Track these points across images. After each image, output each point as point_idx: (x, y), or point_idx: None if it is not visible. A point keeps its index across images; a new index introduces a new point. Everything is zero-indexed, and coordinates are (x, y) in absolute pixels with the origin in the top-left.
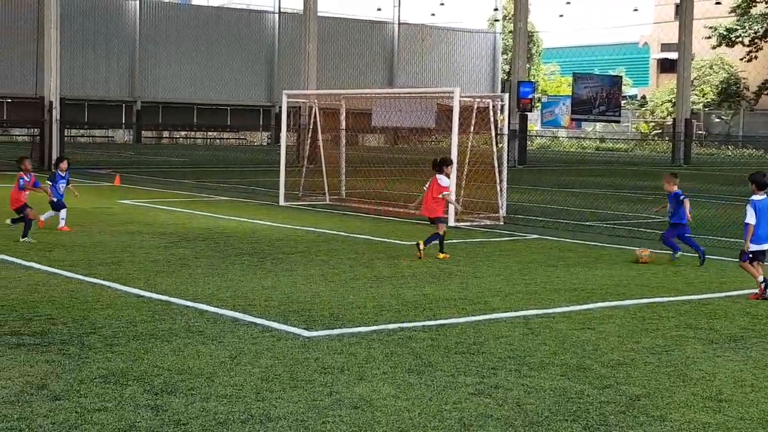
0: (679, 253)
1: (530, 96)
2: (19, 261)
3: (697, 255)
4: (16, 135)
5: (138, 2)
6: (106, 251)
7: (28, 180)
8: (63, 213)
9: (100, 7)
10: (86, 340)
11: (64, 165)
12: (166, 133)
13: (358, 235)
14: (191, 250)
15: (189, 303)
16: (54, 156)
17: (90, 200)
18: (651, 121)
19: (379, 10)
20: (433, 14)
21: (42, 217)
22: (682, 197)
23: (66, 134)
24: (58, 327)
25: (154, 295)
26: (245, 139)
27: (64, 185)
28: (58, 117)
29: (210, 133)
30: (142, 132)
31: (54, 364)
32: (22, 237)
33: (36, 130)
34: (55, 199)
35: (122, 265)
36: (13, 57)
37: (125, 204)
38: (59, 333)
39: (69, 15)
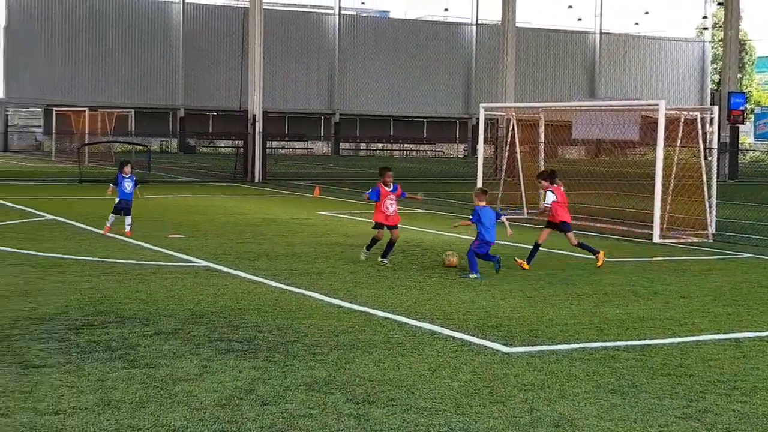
0: None
1: (742, 107)
2: (226, 269)
3: None
4: (221, 147)
5: (337, 16)
6: (307, 261)
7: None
8: (128, 219)
9: (300, 22)
10: (290, 347)
11: (127, 168)
12: (363, 145)
13: (557, 251)
14: (389, 262)
15: (388, 314)
16: (258, 167)
17: (290, 211)
18: None
19: (579, 20)
20: (636, 23)
21: (108, 224)
22: None
23: (267, 146)
24: (263, 334)
25: (355, 306)
26: (442, 151)
27: (132, 185)
28: (261, 130)
29: (406, 145)
30: (341, 144)
31: (261, 370)
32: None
33: (240, 142)
34: (117, 199)
35: (323, 276)
36: (219, 72)
37: (324, 215)
38: (265, 340)
39: (271, 30)
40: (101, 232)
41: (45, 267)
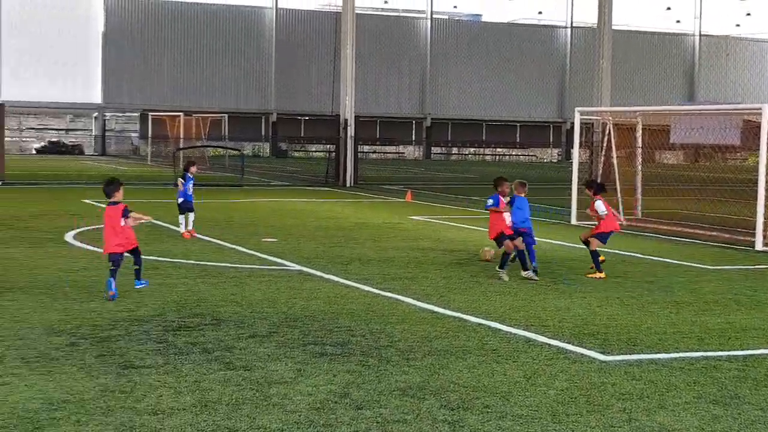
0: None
1: None
2: (319, 273)
3: None
4: (312, 151)
5: (429, 21)
6: (399, 266)
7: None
8: (191, 216)
9: (393, 26)
10: (384, 352)
11: (193, 168)
12: (455, 149)
13: (656, 258)
14: (483, 268)
15: (482, 321)
16: (349, 171)
17: (382, 216)
18: None
19: (678, 22)
20: (738, 25)
21: (183, 230)
22: None
23: (359, 150)
24: (357, 338)
25: (448, 312)
26: (535, 155)
27: (192, 186)
28: (353, 134)
29: (499, 150)
30: (432, 148)
31: (355, 374)
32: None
33: (331, 146)
34: (180, 200)
35: (416, 281)
36: (311, 77)
37: (416, 220)
38: (358, 344)
39: (363, 35)
40: (198, 235)
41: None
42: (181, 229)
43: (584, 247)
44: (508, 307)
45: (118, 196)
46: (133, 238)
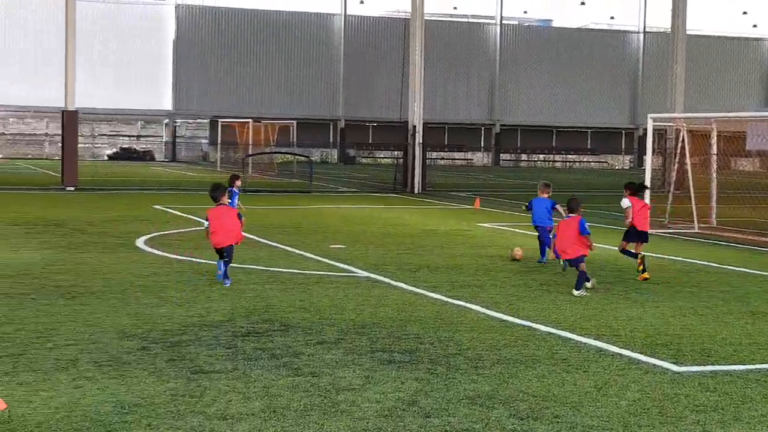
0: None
1: None
2: (387, 280)
3: None
4: (380, 157)
5: (499, 26)
6: (467, 274)
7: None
8: None
9: (461, 32)
10: (452, 360)
11: (238, 182)
12: (524, 156)
13: (731, 267)
14: (552, 276)
15: (552, 329)
16: (417, 178)
17: (450, 223)
18: None
19: (754, 26)
20: None
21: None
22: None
23: (427, 157)
24: (425, 346)
25: (517, 320)
26: (606, 162)
27: (237, 200)
28: (421, 140)
29: (569, 156)
30: (501, 155)
31: (423, 382)
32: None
33: (399, 152)
34: None
35: (484, 288)
36: (379, 83)
37: (484, 227)
38: (427, 352)
39: (432, 41)
40: (266, 241)
41: (212, 275)
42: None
43: (654, 254)
44: (579, 316)
45: (224, 199)
46: (235, 237)
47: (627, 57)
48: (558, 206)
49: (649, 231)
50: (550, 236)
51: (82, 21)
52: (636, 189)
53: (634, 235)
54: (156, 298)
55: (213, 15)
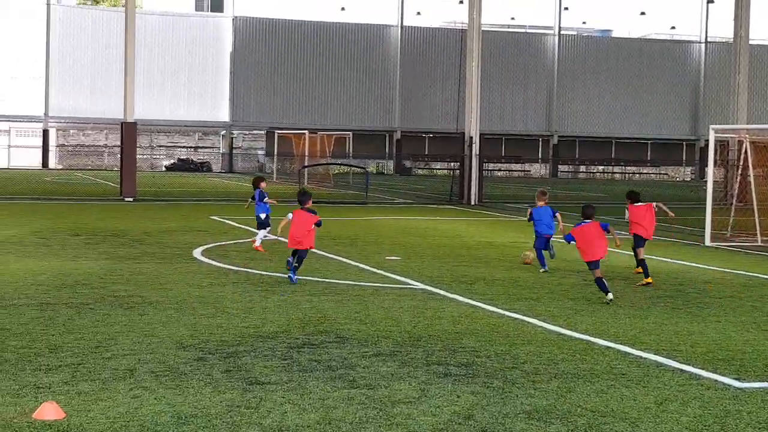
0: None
1: None
2: (443, 293)
3: None
4: (436, 168)
5: (557, 37)
6: (524, 286)
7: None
8: (262, 233)
9: (519, 43)
10: (509, 374)
11: (263, 184)
12: (582, 167)
13: None
14: (611, 289)
15: (611, 344)
16: (474, 189)
17: (507, 235)
18: None
19: None
20: None
21: (256, 243)
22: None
23: (484, 168)
24: (481, 359)
25: (575, 334)
26: (666, 174)
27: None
28: (477, 151)
29: (629, 168)
30: (559, 166)
31: (479, 396)
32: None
33: (456, 164)
34: (263, 216)
35: (541, 302)
36: (435, 94)
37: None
38: (483, 365)
39: (489, 52)
40: (322, 252)
41: (268, 285)
42: (258, 242)
43: (716, 268)
44: (638, 330)
45: (310, 204)
46: (312, 242)
47: (688, 67)
48: (558, 214)
49: (712, 244)
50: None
51: (141, 33)
52: (631, 197)
53: (639, 241)
54: (212, 309)
55: (270, 27)
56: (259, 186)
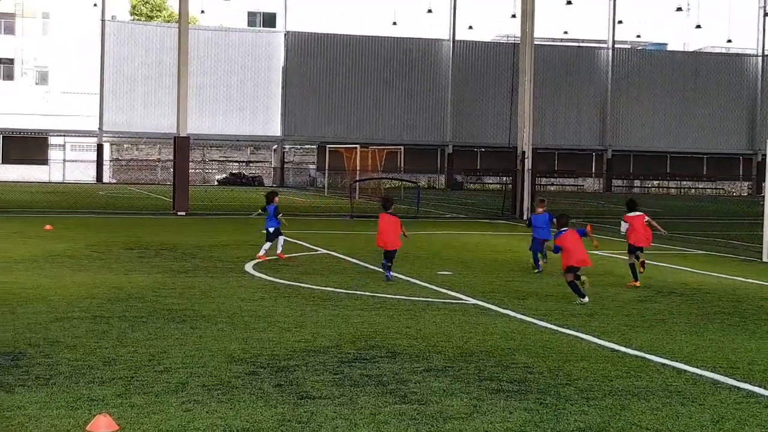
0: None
1: None
2: (495, 308)
3: None
4: (488, 183)
5: (611, 50)
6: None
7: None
8: (281, 240)
9: (572, 56)
10: (562, 391)
11: (277, 199)
12: (637, 182)
13: None
14: (666, 306)
15: (666, 361)
16: (526, 204)
17: None
18: None
19: None
20: None
21: (278, 251)
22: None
23: (536, 183)
24: (534, 375)
25: (630, 350)
26: (723, 188)
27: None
28: (530, 166)
29: (684, 183)
30: (613, 181)
31: (532, 413)
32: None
33: (508, 178)
34: (271, 229)
35: (595, 318)
36: (487, 109)
37: (595, 254)
38: (536, 381)
39: (541, 65)
40: (373, 266)
41: (319, 300)
42: (262, 252)
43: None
44: (694, 347)
45: (393, 209)
46: (398, 243)
47: (745, 80)
48: (554, 219)
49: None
50: (545, 249)
51: (194, 48)
52: (629, 205)
53: (632, 247)
54: (264, 323)
55: (321, 42)
56: (273, 201)
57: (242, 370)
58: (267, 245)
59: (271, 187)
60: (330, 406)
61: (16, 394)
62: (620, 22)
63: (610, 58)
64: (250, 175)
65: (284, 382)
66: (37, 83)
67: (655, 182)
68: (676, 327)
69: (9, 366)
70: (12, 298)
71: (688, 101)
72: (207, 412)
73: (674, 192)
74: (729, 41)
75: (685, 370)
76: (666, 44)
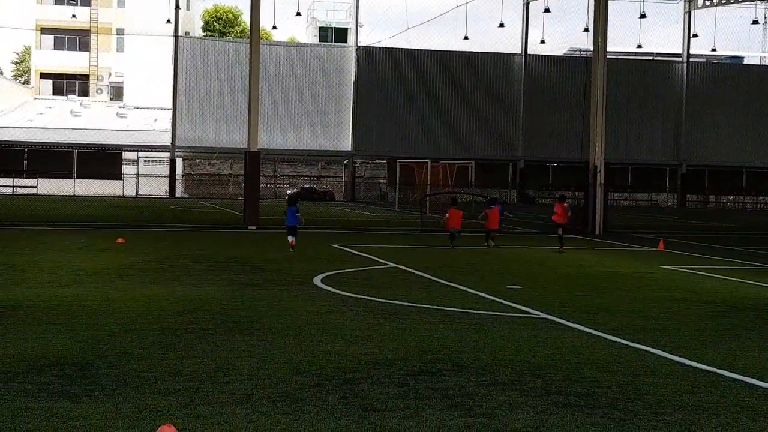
0: None
1: None
2: (565, 322)
3: None
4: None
5: (685, 64)
6: (649, 317)
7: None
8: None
9: (646, 70)
10: (631, 405)
11: (299, 203)
12: (712, 197)
13: None
14: (740, 321)
15: (738, 376)
16: (599, 219)
17: (632, 265)
18: None
19: None
20: None
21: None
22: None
23: (609, 197)
24: (602, 390)
25: (701, 365)
26: None
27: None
28: (602, 181)
29: (761, 198)
30: (687, 196)
31: (600, 427)
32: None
33: (580, 193)
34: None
35: (667, 333)
36: (559, 123)
37: (668, 269)
38: (604, 396)
39: (614, 79)
40: (441, 280)
41: (386, 313)
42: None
43: None
44: None
45: (458, 205)
46: (459, 226)
47: None
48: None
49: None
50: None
51: (266, 64)
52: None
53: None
54: (330, 335)
55: (392, 56)
56: (295, 204)
57: (307, 382)
58: (291, 238)
59: (343, 202)
60: (394, 419)
61: (83, 404)
62: (695, 35)
63: (685, 72)
64: (321, 189)
65: (349, 394)
66: (111, 98)
67: (731, 197)
68: (749, 342)
69: (76, 376)
70: (82, 310)
71: (764, 115)
72: (271, 424)
73: (750, 207)
74: None
75: (757, 386)
76: (743, 57)
